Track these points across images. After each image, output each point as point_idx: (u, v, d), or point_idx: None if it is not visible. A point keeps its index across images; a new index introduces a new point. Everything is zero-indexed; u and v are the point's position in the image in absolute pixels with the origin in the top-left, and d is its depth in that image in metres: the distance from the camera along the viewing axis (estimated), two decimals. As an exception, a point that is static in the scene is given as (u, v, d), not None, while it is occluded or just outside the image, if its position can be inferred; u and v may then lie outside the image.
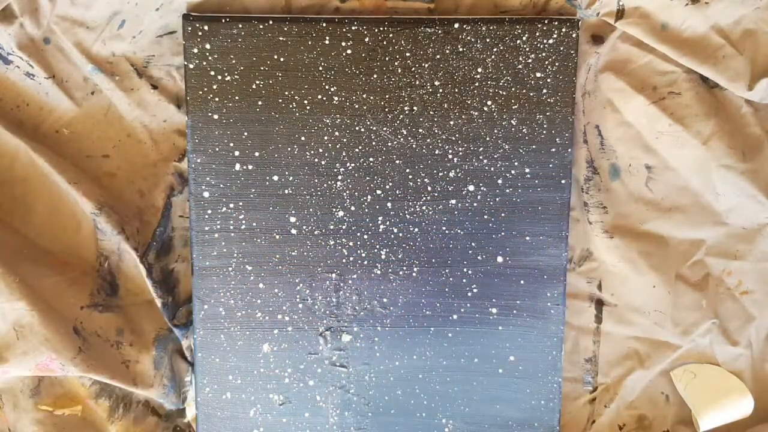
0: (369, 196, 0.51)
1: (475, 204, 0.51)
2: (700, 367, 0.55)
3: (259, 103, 0.50)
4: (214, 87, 0.50)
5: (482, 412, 0.53)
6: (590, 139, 0.53)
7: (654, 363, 0.55)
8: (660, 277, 0.54)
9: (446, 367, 0.53)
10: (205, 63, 0.49)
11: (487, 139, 0.51)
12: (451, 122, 0.50)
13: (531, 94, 0.50)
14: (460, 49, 0.50)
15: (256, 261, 0.51)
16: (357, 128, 0.50)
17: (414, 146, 0.51)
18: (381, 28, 0.49)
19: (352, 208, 0.51)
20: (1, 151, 0.51)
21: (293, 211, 0.51)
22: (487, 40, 0.50)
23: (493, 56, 0.50)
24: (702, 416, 0.54)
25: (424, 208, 0.51)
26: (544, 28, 0.49)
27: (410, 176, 0.51)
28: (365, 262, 0.52)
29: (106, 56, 0.51)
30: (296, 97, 0.50)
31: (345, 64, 0.50)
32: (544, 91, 0.50)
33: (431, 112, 0.50)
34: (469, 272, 0.52)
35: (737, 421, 0.55)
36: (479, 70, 0.50)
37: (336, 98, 0.50)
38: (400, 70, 0.50)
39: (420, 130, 0.51)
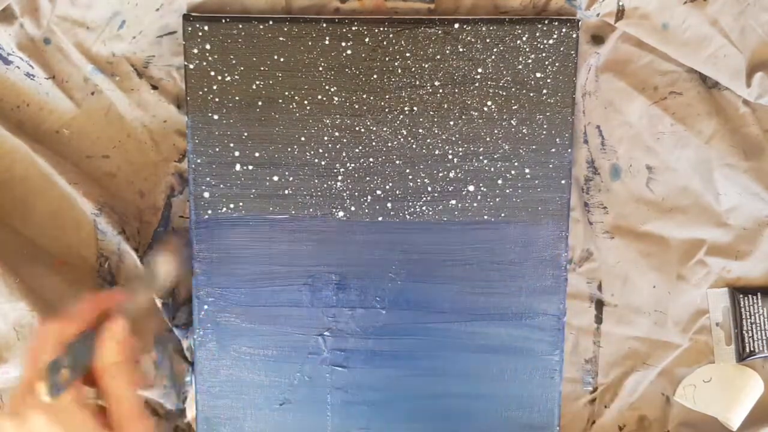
0: (369, 196, 0.51)
1: (475, 204, 0.51)
2: (694, 376, 0.55)
3: (259, 103, 0.50)
4: (214, 87, 0.50)
5: (482, 412, 0.53)
6: (591, 139, 0.53)
7: (654, 363, 0.55)
8: (660, 277, 0.54)
9: (446, 367, 0.53)
10: (205, 63, 0.49)
11: (487, 139, 0.51)
12: (451, 122, 0.50)
13: (531, 94, 0.50)
14: (460, 50, 0.50)
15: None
16: (357, 128, 0.50)
17: (414, 146, 0.51)
18: (381, 29, 0.49)
19: (352, 208, 0.51)
20: (1, 151, 0.51)
21: (293, 212, 0.51)
22: (487, 40, 0.49)
23: (493, 56, 0.50)
24: (728, 417, 0.54)
25: (424, 208, 0.51)
26: (544, 28, 0.49)
27: (410, 176, 0.51)
28: (365, 263, 0.52)
29: (106, 56, 0.51)
30: (296, 97, 0.50)
31: (345, 65, 0.50)
32: (544, 91, 0.50)
33: (431, 113, 0.50)
34: (469, 272, 0.52)
35: (759, 402, 0.54)
36: (479, 70, 0.50)
37: (336, 98, 0.50)
38: (400, 71, 0.50)
39: (420, 131, 0.50)
